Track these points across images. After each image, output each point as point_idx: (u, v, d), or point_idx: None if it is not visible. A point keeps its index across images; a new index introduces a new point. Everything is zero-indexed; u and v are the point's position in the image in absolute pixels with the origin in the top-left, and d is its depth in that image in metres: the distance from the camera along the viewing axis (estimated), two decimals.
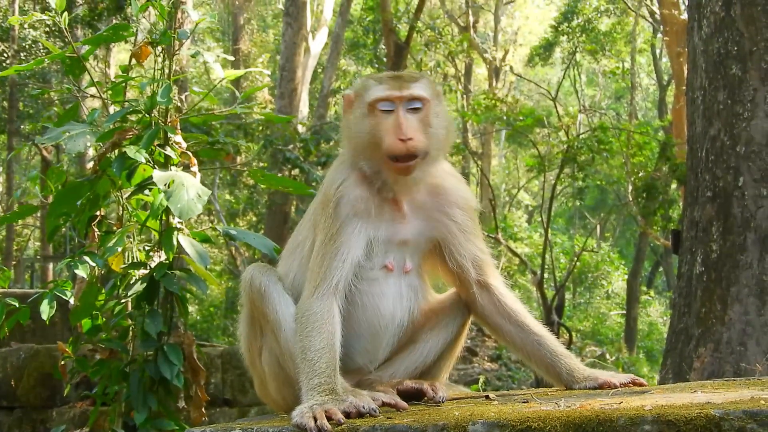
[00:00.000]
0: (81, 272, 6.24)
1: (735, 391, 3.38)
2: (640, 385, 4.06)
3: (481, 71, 44.28)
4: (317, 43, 30.61)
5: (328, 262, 3.92)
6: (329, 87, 31.78)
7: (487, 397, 4.04)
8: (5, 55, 26.16)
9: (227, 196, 33.06)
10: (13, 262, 28.71)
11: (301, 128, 25.99)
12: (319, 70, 35.69)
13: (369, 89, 4.10)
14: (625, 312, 37.59)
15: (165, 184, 5.98)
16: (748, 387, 3.56)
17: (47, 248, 26.66)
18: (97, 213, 6.55)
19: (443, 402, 3.96)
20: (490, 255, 4.28)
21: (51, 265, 28.52)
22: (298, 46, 28.14)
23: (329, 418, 3.38)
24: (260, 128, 24.04)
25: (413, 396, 4.02)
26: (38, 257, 34.52)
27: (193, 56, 6.97)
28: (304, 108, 29.47)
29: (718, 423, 2.92)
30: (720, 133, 10.13)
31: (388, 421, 3.30)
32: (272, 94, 33.13)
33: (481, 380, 18.66)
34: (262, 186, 7.72)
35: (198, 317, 31.34)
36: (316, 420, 3.36)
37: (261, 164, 27.24)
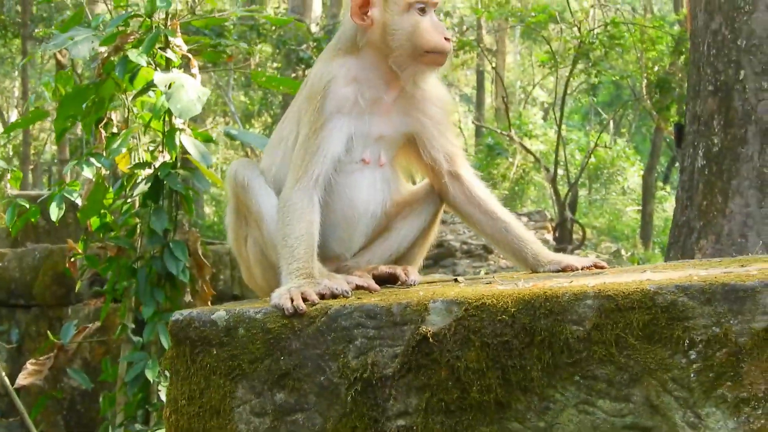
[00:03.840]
0: (87, 173, 6.49)
1: (682, 271, 3.60)
2: (602, 267, 4.30)
3: None
4: None
5: (309, 156, 4.16)
6: None
7: (455, 280, 4.29)
8: None
9: (242, 98, 33.16)
10: (31, 166, 28.91)
11: (314, 27, 25.99)
12: None
13: None
14: (640, 208, 37.63)
15: (166, 86, 6.18)
16: (695, 267, 3.79)
17: (65, 152, 26.88)
18: (104, 115, 6.75)
19: (415, 285, 4.22)
20: (461, 148, 4.53)
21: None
22: None
23: (305, 299, 3.65)
24: (273, 29, 24.05)
25: (388, 280, 4.27)
26: (55, 161, 34.80)
27: None
28: (317, 7, 29.43)
29: (652, 296, 3.17)
30: (721, 27, 10.20)
31: (358, 301, 3.57)
32: None
33: (482, 271, 18.92)
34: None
35: (215, 219, 31.63)
36: (292, 301, 3.62)
37: (275, 65, 27.32)
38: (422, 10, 4.31)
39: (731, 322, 3.12)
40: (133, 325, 6.75)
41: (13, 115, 40.27)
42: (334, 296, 3.75)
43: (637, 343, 3.19)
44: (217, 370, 3.63)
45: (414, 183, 4.76)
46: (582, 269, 4.28)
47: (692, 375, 3.14)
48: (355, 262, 4.40)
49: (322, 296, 3.73)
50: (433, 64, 4.35)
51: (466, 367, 3.35)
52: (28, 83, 31.21)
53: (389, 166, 4.45)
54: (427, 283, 4.38)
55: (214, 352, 3.64)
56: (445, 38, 4.31)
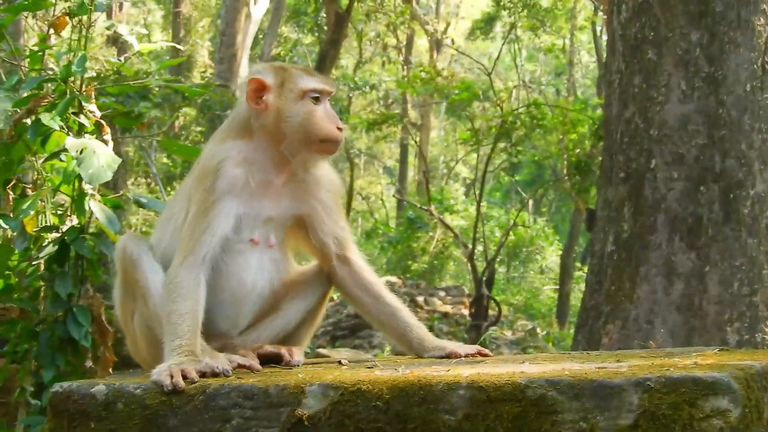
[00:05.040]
0: None
1: (558, 364, 3.68)
2: (485, 356, 4.37)
3: (422, 43, 44.45)
4: (259, 9, 30.71)
5: (198, 235, 4.21)
6: (269, 53, 31.91)
7: (339, 362, 4.36)
8: None
9: (165, 160, 32.97)
10: None
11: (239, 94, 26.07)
12: (260, 36, 35.69)
13: (299, 78, 4.46)
14: (558, 287, 37.88)
15: (77, 151, 6.19)
16: (572, 360, 3.88)
17: None
18: (13, 177, 6.73)
19: (298, 366, 4.27)
20: (350, 232, 4.62)
21: None
22: (239, 12, 28.32)
23: (185, 377, 3.66)
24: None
25: (272, 360, 4.31)
26: None
27: (107, 28, 7.17)
28: (243, 73, 29.51)
29: (522, 390, 3.23)
30: (634, 116, 10.45)
31: (237, 381, 3.60)
32: (212, 59, 33.19)
33: (387, 349, 18.94)
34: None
35: None
36: (172, 377, 3.64)
37: (199, 128, 27.32)
38: (317, 99, 4.42)
39: (597, 418, 3.18)
40: (33, 389, 6.68)
41: None
42: (214, 375, 3.78)
43: None
44: None
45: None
46: (465, 356, 4.34)
47: None
48: (242, 341, 4.43)
49: (202, 374, 3.75)
50: (325, 152, 4.46)
51: None
52: None
53: (278, 247, 4.51)
54: (312, 364, 4.43)
55: (92, 426, 3.63)
56: (338, 128, 4.42)
